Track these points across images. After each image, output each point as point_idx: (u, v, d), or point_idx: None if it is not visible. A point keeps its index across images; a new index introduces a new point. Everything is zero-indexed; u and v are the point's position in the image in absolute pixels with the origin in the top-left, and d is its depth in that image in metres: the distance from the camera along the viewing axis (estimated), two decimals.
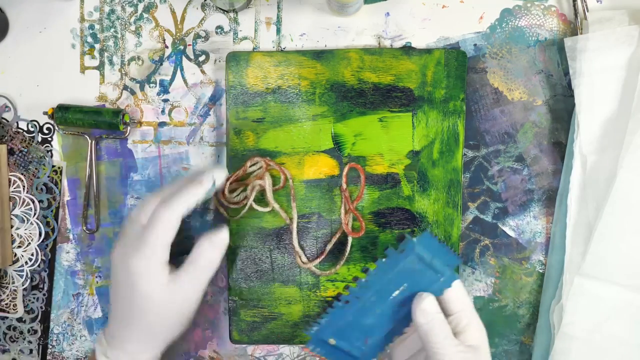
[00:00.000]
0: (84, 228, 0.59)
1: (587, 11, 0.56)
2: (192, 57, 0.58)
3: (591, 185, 0.55)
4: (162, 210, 0.48)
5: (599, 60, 0.53)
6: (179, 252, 0.59)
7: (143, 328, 0.49)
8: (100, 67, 0.59)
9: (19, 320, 0.59)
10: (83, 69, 0.59)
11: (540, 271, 0.57)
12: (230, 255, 0.57)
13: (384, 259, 0.46)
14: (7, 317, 0.59)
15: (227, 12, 0.58)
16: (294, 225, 0.56)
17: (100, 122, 0.56)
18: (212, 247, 0.49)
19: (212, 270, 0.49)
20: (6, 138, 0.59)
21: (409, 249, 0.46)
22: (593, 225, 0.55)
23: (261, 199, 0.56)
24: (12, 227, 0.58)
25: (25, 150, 0.59)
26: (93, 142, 0.58)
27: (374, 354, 0.49)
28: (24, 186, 0.58)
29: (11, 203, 0.58)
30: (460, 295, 0.48)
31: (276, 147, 0.57)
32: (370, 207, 0.57)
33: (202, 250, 0.49)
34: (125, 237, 0.50)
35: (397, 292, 0.46)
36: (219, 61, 0.58)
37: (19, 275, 0.59)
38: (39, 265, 0.59)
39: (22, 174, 0.58)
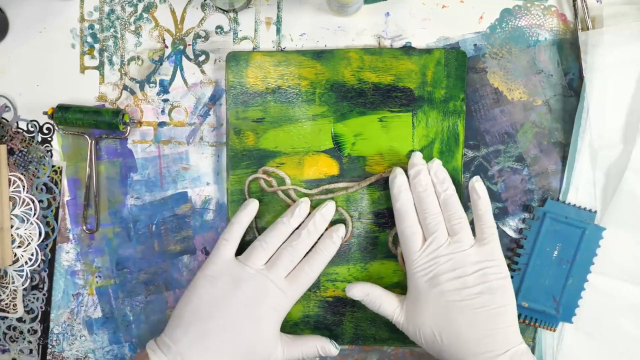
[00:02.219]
0: (84, 228, 0.59)
1: (587, 11, 0.56)
2: (192, 57, 0.58)
3: (600, 179, 0.55)
4: (309, 278, 0.53)
5: (613, 54, 0.54)
6: (181, 252, 0.59)
7: None
8: (100, 67, 0.59)
9: (19, 320, 0.59)
10: (83, 69, 0.59)
11: None
12: None
13: (529, 229, 0.56)
14: (7, 317, 0.59)
15: (227, 12, 0.58)
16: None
17: (100, 122, 0.56)
18: (321, 352, 0.55)
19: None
20: (6, 138, 0.59)
21: (541, 215, 0.56)
22: (602, 221, 0.56)
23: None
24: (12, 227, 0.58)
25: (25, 150, 0.59)
26: (93, 142, 0.58)
27: (571, 312, 0.56)
28: (24, 186, 0.58)
29: (11, 203, 0.58)
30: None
31: (276, 147, 0.57)
32: (370, 207, 0.57)
33: (313, 351, 0.55)
34: (254, 283, 0.52)
35: (556, 253, 0.55)
36: (219, 61, 0.58)
37: (19, 275, 0.59)
38: (39, 265, 0.59)
39: (22, 174, 0.58)
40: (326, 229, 0.55)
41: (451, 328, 0.50)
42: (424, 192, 0.52)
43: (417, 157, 0.54)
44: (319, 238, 0.54)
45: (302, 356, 0.54)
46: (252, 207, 0.55)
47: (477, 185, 0.52)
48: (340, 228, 0.55)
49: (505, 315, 0.50)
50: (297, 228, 0.54)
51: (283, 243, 0.54)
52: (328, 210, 0.54)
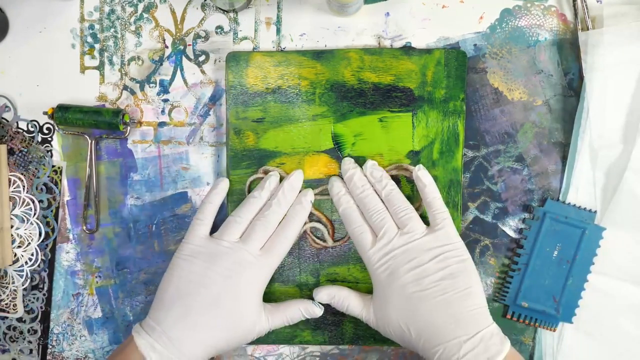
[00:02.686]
0: (84, 228, 0.59)
1: (587, 11, 0.56)
2: (192, 57, 0.58)
3: (600, 179, 0.55)
4: (285, 245, 0.54)
5: (613, 54, 0.54)
6: None
7: (218, 336, 0.51)
8: (100, 67, 0.59)
9: (19, 320, 0.59)
10: (83, 69, 0.59)
11: None
12: None
13: (529, 229, 0.56)
14: (7, 317, 0.59)
15: (227, 12, 0.58)
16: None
17: (100, 122, 0.56)
18: (305, 314, 0.55)
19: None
20: (6, 138, 0.59)
21: (541, 215, 0.56)
22: (602, 221, 0.56)
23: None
24: (12, 227, 0.58)
25: (25, 150, 0.59)
26: (93, 142, 0.58)
27: (571, 312, 0.56)
28: (24, 186, 0.58)
29: (11, 203, 0.58)
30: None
31: (276, 147, 0.57)
32: None
33: (298, 315, 0.54)
34: (231, 254, 0.52)
35: (556, 253, 0.55)
36: (219, 61, 0.58)
37: (19, 275, 0.59)
38: (39, 265, 0.59)
39: (22, 174, 0.58)
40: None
41: (417, 319, 0.49)
42: (362, 193, 0.53)
43: (347, 162, 0.55)
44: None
45: (287, 322, 0.54)
46: (222, 186, 0.55)
47: (421, 174, 0.53)
48: (309, 192, 0.55)
49: (471, 298, 0.49)
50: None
51: (255, 216, 0.54)
52: (296, 178, 0.55)
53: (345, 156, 0.56)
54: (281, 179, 0.56)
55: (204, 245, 0.53)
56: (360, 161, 0.56)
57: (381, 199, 0.53)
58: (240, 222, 0.53)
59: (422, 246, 0.51)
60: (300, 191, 0.55)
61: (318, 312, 0.55)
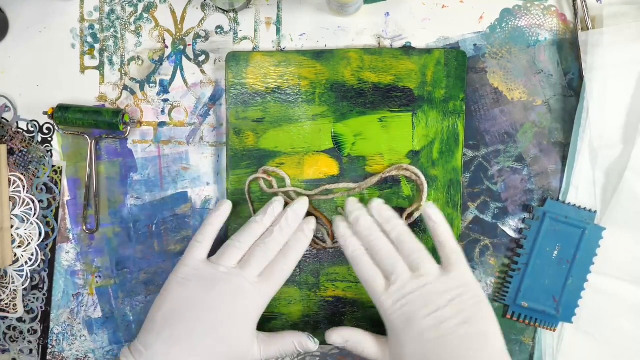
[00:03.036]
0: (84, 228, 0.59)
1: (587, 11, 0.56)
2: (192, 57, 0.58)
3: (600, 179, 0.55)
4: (284, 274, 0.52)
5: (613, 54, 0.54)
6: (181, 252, 0.59)
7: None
8: (100, 67, 0.59)
9: (19, 320, 0.59)
10: (83, 69, 0.59)
11: None
12: None
13: (529, 229, 0.56)
14: (7, 317, 0.59)
15: (227, 12, 0.58)
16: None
17: (100, 122, 0.56)
18: (299, 348, 0.53)
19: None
20: (6, 138, 0.59)
21: (541, 215, 0.56)
22: (602, 221, 0.56)
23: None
24: (12, 227, 0.58)
25: (25, 150, 0.59)
26: (93, 142, 0.58)
27: (571, 312, 0.56)
28: (24, 186, 0.58)
29: (11, 203, 0.58)
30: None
31: (276, 147, 0.57)
32: None
33: (291, 348, 0.53)
34: (231, 279, 0.51)
35: (555, 253, 0.55)
36: (219, 61, 0.58)
37: (19, 275, 0.59)
38: (39, 265, 0.59)
39: (22, 174, 0.58)
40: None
41: None
42: (369, 235, 0.51)
43: (351, 203, 0.53)
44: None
45: (280, 354, 0.53)
46: (224, 209, 0.54)
47: (430, 211, 0.51)
48: (311, 220, 0.54)
49: (489, 341, 0.48)
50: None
51: (256, 241, 0.52)
52: (300, 206, 0.54)
53: (350, 197, 0.54)
54: (280, 182, 0.56)
55: (200, 268, 0.51)
56: (360, 161, 0.56)
57: (390, 240, 0.51)
58: (240, 247, 0.52)
59: (437, 289, 0.48)
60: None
61: (312, 347, 0.53)
